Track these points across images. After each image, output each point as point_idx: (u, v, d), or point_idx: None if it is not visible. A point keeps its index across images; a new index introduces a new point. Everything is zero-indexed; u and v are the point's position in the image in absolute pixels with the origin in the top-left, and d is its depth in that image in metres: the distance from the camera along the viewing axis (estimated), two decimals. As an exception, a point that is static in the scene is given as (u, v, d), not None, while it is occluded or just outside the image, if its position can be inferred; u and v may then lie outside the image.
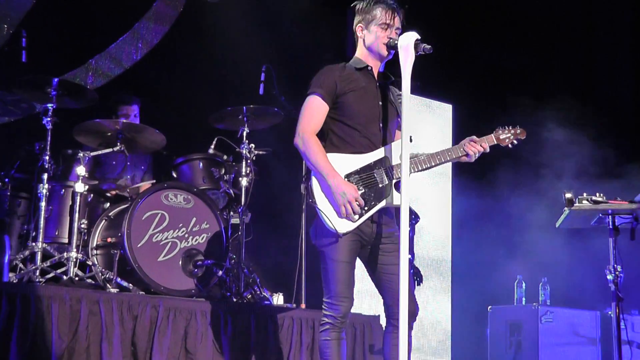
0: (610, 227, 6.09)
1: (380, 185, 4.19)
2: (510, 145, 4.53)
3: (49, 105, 5.73)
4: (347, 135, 4.25)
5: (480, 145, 4.37)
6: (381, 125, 4.30)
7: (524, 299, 7.49)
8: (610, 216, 6.08)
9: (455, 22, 8.75)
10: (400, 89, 3.94)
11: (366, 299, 6.86)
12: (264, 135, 6.48)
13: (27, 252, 5.63)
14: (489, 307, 7.42)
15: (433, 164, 4.33)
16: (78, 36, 7.14)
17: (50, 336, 4.83)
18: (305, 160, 4.21)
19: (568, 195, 6.13)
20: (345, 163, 4.18)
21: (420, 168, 4.31)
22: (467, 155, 4.37)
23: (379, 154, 4.24)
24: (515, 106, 7.94)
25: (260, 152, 6.31)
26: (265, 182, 6.40)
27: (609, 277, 6.02)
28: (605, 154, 8.70)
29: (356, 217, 4.10)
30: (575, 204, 6.05)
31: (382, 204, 4.18)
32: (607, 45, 9.65)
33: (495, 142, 4.46)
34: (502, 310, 7.37)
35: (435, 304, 8.37)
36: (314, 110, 4.24)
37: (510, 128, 4.52)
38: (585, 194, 6.08)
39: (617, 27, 9.73)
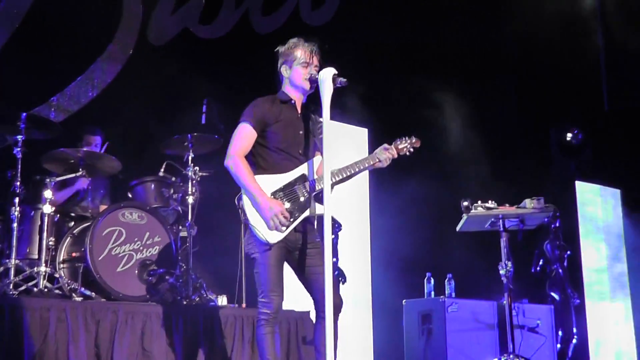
0: (501, 229, 6.36)
1: (302, 199, 4.31)
2: (407, 153, 4.58)
3: (19, 137, 5.77)
4: (273, 159, 4.38)
5: (389, 152, 4.48)
6: (301, 150, 4.46)
7: (432, 292, 7.54)
8: (500, 220, 6.35)
9: (369, 57, 9.04)
10: (320, 117, 4.13)
11: (298, 298, 6.95)
12: (206, 159, 6.52)
13: (1, 269, 5.64)
14: (404, 300, 7.47)
15: (349, 173, 4.42)
16: (42, 76, 7.16)
17: (23, 341, 4.89)
18: (236, 180, 4.29)
19: (465, 203, 6.39)
20: (270, 182, 4.31)
21: (338, 179, 4.39)
22: (379, 161, 4.47)
23: (299, 171, 4.38)
24: (423, 124, 8.16)
25: (204, 174, 6.37)
26: (209, 200, 6.44)
27: (502, 271, 6.27)
28: (500, 163, 9.12)
29: (284, 228, 4.23)
30: (471, 211, 6.33)
31: (306, 214, 4.32)
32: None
33: (396, 152, 4.55)
34: (414, 303, 7.40)
35: (358, 299, 8.40)
36: (244, 136, 4.36)
37: (407, 138, 4.60)
38: (480, 202, 6.31)
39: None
